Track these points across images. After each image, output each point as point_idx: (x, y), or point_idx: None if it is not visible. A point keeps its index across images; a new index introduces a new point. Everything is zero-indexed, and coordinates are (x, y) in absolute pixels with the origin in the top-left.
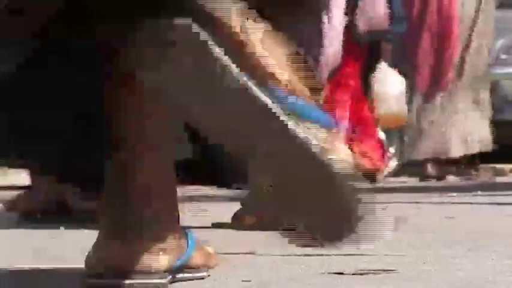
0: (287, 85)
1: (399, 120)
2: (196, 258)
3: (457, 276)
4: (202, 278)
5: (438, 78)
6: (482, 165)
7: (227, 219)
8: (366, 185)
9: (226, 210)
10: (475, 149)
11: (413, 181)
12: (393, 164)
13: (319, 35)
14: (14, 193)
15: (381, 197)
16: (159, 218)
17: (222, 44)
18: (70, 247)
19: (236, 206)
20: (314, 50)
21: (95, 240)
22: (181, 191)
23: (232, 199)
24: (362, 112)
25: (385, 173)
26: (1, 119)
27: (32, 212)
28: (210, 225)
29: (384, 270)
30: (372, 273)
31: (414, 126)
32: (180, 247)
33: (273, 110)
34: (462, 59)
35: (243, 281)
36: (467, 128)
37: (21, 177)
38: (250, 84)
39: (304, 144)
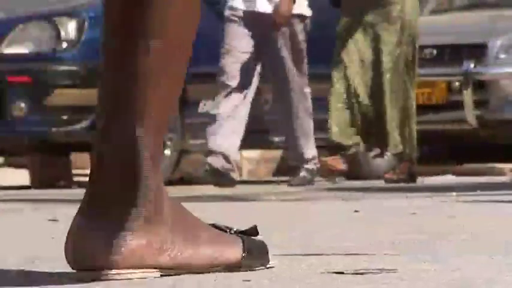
0: None
1: None
2: None
3: (456, 276)
4: None
5: None
6: (482, 165)
7: None
8: None
9: None
10: None
11: None
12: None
13: None
14: (14, 193)
15: (380, 196)
16: None
17: None
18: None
19: None
20: None
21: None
22: None
23: None
24: None
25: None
26: None
27: None
28: None
29: (384, 270)
30: (372, 273)
31: None
32: None
33: None
34: None
35: (243, 280)
36: None
37: (20, 176)
38: None
39: None
